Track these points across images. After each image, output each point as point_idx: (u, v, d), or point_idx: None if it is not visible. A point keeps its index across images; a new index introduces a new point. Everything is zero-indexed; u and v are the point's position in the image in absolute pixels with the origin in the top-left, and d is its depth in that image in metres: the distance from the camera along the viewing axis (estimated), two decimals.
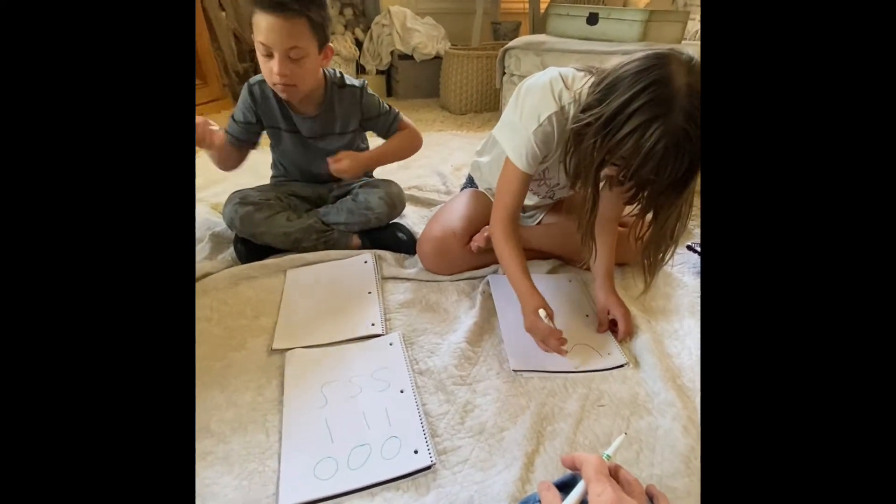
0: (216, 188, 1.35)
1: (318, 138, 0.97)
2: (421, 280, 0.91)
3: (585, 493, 0.35)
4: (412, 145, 1.03)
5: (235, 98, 2.28)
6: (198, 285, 0.89)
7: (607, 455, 0.38)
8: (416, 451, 0.57)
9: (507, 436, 0.60)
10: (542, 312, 0.70)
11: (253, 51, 2.35)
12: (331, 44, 0.88)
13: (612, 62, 0.62)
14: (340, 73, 0.97)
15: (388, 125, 1.00)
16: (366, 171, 1.02)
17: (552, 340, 0.69)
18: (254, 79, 0.94)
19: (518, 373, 0.70)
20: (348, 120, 0.97)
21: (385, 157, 1.01)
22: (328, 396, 0.65)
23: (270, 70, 0.83)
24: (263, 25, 0.78)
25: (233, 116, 0.96)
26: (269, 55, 0.81)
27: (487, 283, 0.88)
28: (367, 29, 2.42)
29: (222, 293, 0.87)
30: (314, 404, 0.64)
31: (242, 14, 2.25)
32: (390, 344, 0.75)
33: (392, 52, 2.38)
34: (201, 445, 0.58)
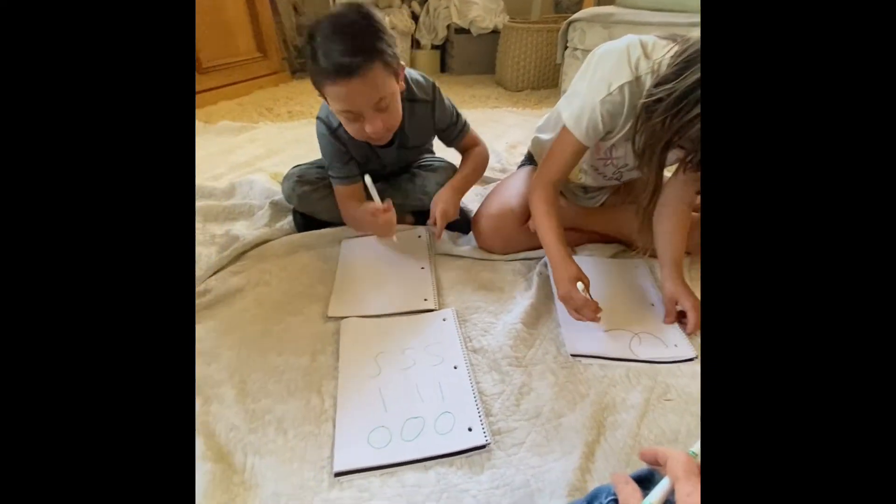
0: (275, 158, 1.38)
1: (397, 164, 0.95)
2: (474, 258, 0.89)
3: (670, 492, 0.32)
4: (485, 162, 0.97)
5: (293, 71, 2.32)
6: (257, 251, 0.91)
7: (693, 452, 0.35)
8: (469, 429, 0.56)
9: (564, 422, 0.57)
10: (579, 285, 0.67)
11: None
12: (392, 28, 0.81)
13: (696, 34, 0.55)
14: (408, 81, 0.82)
15: (456, 135, 0.93)
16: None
17: (587, 311, 0.66)
18: (332, 121, 0.84)
19: (576, 358, 0.66)
20: (423, 134, 0.91)
21: (468, 184, 0.94)
22: (382, 366, 0.65)
23: (361, 129, 0.74)
24: (342, 94, 0.68)
25: (330, 164, 0.87)
26: (356, 118, 0.72)
27: (545, 264, 0.84)
28: (423, 2, 2.37)
29: (281, 259, 0.88)
30: (368, 373, 0.64)
31: None
32: (444, 319, 0.73)
33: (448, 26, 2.32)
34: (259, 405, 0.60)
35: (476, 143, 0.97)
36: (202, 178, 1.24)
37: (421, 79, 0.85)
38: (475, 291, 0.80)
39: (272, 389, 0.62)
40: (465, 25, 2.28)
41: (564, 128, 0.71)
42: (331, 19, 0.67)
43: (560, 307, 0.74)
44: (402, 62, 0.75)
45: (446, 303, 0.78)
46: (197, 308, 0.76)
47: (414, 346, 0.68)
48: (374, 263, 0.87)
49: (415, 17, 2.37)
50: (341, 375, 0.63)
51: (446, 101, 0.88)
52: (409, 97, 0.82)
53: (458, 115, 0.93)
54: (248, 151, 1.43)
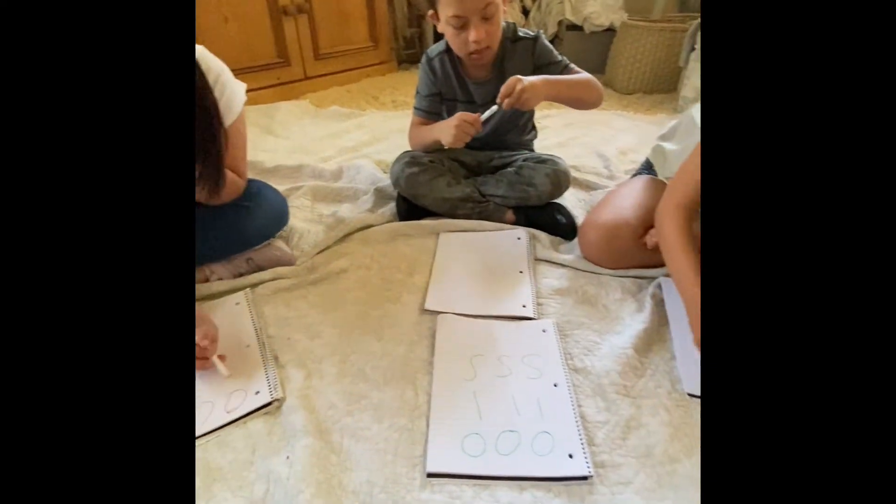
0: (379, 145, 1.42)
1: (488, 104, 0.93)
2: (578, 269, 0.83)
3: None
4: (596, 92, 0.88)
5: (400, 62, 2.39)
6: (360, 235, 0.94)
7: None
8: (570, 456, 0.52)
9: (680, 469, 0.51)
10: None
11: (421, 16, 2.40)
12: None
13: None
14: (513, 24, 0.91)
15: (560, 72, 0.90)
16: (545, 99, 0.82)
17: None
18: (432, 52, 0.94)
19: (695, 398, 0.59)
20: (522, 73, 0.89)
21: (568, 89, 0.84)
22: (477, 370, 0.63)
23: (465, 41, 0.81)
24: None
25: (418, 92, 0.97)
26: (463, 26, 0.80)
27: (659, 286, 0.77)
28: None
29: (382, 246, 0.90)
30: (463, 375, 0.62)
31: None
32: (543, 331, 0.69)
33: (560, 22, 2.23)
34: (356, 388, 0.61)
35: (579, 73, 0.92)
36: (313, 159, 1.31)
37: (526, 29, 0.92)
38: (578, 305, 0.75)
39: (370, 374, 0.63)
40: (578, 22, 2.17)
41: None
42: None
43: (677, 338, 0.67)
44: None
45: (545, 312, 0.74)
46: (303, 283, 0.80)
47: (511, 355, 0.65)
48: (470, 260, 0.86)
49: (525, 12, 2.31)
50: (436, 372, 0.62)
51: (546, 41, 0.91)
52: (512, 37, 0.89)
53: (563, 57, 0.92)
54: (354, 137, 1.49)
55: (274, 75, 1.81)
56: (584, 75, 0.89)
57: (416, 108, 0.99)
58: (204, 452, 0.53)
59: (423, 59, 0.94)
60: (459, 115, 0.82)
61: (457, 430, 0.55)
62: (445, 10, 0.80)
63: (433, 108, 0.97)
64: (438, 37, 2.43)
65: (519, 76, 0.78)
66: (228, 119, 0.70)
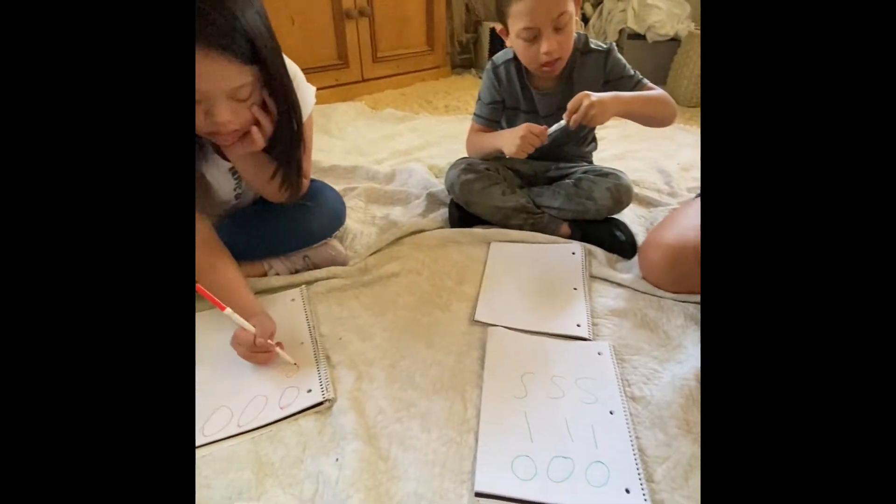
0: (431, 150, 1.43)
1: (552, 115, 0.92)
2: (637, 290, 0.79)
3: None
4: (670, 110, 0.84)
5: (454, 66, 2.40)
6: (411, 239, 0.94)
7: None
8: (627, 490, 0.49)
9: None
10: None
11: (478, 22, 2.40)
12: None
13: None
14: (584, 35, 0.88)
15: (633, 87, 0.87)
16: (614, 116, 0.79)
17: None
18: (498, 59, 0.93)
19: None
20: (590, 86, 0.85)
21: (640, 107, 0.81)
22: (528, 388, 0.61)
23: (536, 53, 0.80)
24: (526, 8, 0.76)
25: (480, 98, 0.97)
26: (534, 38, 0.79)
27: None
28: (598, 4, 2.24)
29: (433, 251, 0.90)
30: (513, 392, 0.60)
31: None
32: (598, 353, 0.66)
33: (621, 31, 2.16)
34: (406, 395, 0.61)
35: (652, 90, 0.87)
36: (367, 160, 1.34)
37: (599, 41, 0.89)
38: (636, 329, 0.72)
39: (419, 382, 0.62)
40: (640, 31, 2.10)
41: None
42: None
43: None
44: None
45: (601, 333, 0.71)
46: (356, 284, 0.81)
47: (564, 375, 0.63)
48: (522, 272, 0.84)
49: (585, 20, 2.26)
50: (486, 387, 0.61)
51: (619, 55, 0.88)
52: (583, 49, 0.87)
53: (635, 72, 0.88)
54: (407, 140, 1.50)
55: (333, 76, 1.86)
56: (658, 91, 0.85)
57: (476, 114, 0.99)
58: (256, 446, 0.54)
59: (489, 65, 0.93)
60: (526, 127, 0.81)
61: (506, 450, 0.53)
62: (516, 24, 0.79)
63: (494, 116, 0.96)
64: (494, 42, 2.42)
65: (587, 92, 0.76)
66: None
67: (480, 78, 2.30)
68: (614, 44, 0.89)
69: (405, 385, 0.62)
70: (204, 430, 0.55)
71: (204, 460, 0.52)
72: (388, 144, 1.47)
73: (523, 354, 0.66)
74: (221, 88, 0.55)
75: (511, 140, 0.82)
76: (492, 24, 2.26)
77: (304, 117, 0.72)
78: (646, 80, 0.88)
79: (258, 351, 0.61)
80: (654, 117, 0.84)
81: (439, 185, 1.12)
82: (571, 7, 0.79)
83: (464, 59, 2.44)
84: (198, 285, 0.58)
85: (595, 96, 0.76)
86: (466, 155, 1.01)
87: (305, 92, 0.73)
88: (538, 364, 0.65)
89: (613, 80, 0.87)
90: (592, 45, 0.87)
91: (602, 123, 0.79)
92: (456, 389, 0.61)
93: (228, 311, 0.58)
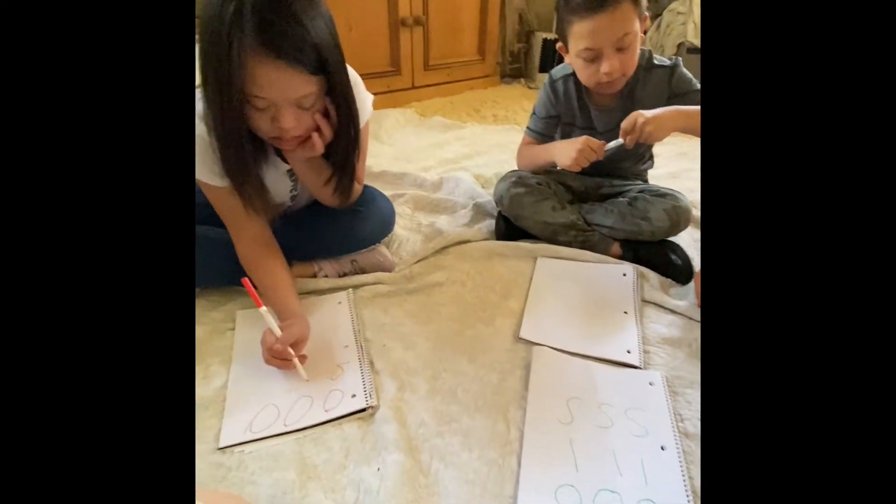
0: (478, 159, 1.42)
1: (610, 132, 0.89)
2: (692, 319, 0.75)
3: None
4: None
5: (503, 76, 2.39)
6: (456, 249, 0.93)
7: None
8: None
9: None
10: None
11: (531, 32, 2.38)
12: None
13: None
14: (648, 51, 0.85)
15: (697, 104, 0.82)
16: (674, 131, 0.76)
17: None
18: (556, 73, 0.92)
19: None
20: (653, 102, 0.83)
21: (689, 118, 0.76)
22: (574, 414, 0.59)
23: (595, 72, 0.78)
24: (587, 29, 0.74)
25: (535, 112, 0.96)
26: (594, 58, 0.77)
27: None
28: (655, 16, 2.18)
29: (478, 263, 0.89)
30: (558, 417, 0.59)
31: None
32: (650, 383, 0.63)
33: (680, 45, 2.09)
34: (447, 409, 0.60)
35: None
36: (414, 167, 1.35)
37: (663, 58, 0.86)
38: (690, 360, 0.68)
39: (461, 397, 0.62)
40: (700, 44, 2.02)
41: None
42: None
43: None
44: (647, 13, 0.78)
45: (653, 362, 0.68)
46: (401, 291, 0.81)
47: (613, 404, 0.60)
48: (570, 291, 0.81)
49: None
50: (530, 409, 0.59)
51: (685, 70, 0.85)
52: (646, 65, 0.84)
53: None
54: (455, 149, 1.51)
55: (385, 83, 1.90)
56: None
57: (529, 128, 0.97)
58: (301, 447, 0.55)
59: (547, 79, 0.92)
60: (585, 139, 0.79)
61: (550, 478, 0.51)
62: (577, 43, 0.77)
63: (548, 130, 0.95)
64: (545, 52, 2.39)
65: (640, 111, 0.75)
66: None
67: (530, 88, 2.30)
68: (680, 59, 0.85)
69: (447, 399, 0.61)
70: (252, 426, 0.57)
71: (251, 456, 0.54)
72: (435, 152, 1.48)
73: (570, 378, 0.64)
74: (288, 97, 0.57)
75: (567, 152, 0.80)
76: (544, 35, 2.25)
77: (361, 124, 0.73)
78: None
79: (276, 356, 0.60)
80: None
81: (486, 196, 1.12)
82: (636, 26, 0.76)
83: (513, 69, 2.43)
84: (244, 279, 0.60)
85: (650, 113, 0.74)
86: (515, 166, 1.00)
87: (364, 99, 0.75)
88: (585, 390, 0.62)
89: (680, 94, 0.84)
90: (656, 62, 0.85)
91: (660, 140, 0.76)
92: (498, 408, 0.60)
93: (263, 309, 0.60)
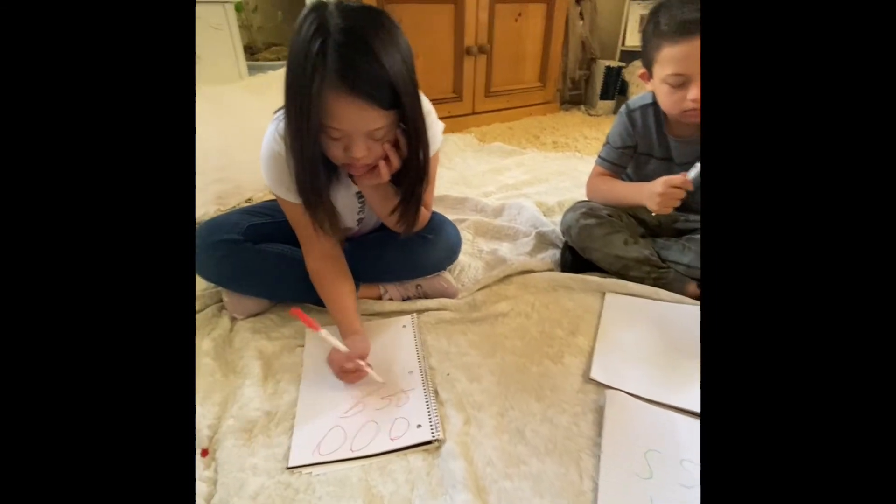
0: (539, 186, 1.41)
1: (688, 163, 0.85)
2: None
3: None
4: None
5: (563, 102, 2.38)
6: (520, 279, 0.92)
7: None
8: None
9: None
10: None
11: (592, 59, 2.36)
12: None
13: None
14: None
15: None
16: None
17: None
18: (633, 104, 0.89)
19: None
20: None
21: None
22: (654, 469, 0.54)
23: (682, 99, 0.75)
24: (680, 53, 0.72)
25: (608, 142, 0.93)
26: (682, 84, 0.75)
27: None
28: None
29: (543, 295, 0.87)
30: (636, 471, 0.54)
31: (597, 25, 2.29)
32: None
33: None
34: (515, 449, 0.57)
35: None
36: (475, 192, 1.36)
37: None
38: None
39: (529, 438, 0.59)
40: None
41: None
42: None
43: None
44: None
45: None
46: (465, 320, 0.80)
47: (695, 461, 0.55)
48: (643, 332, 0.77)
49: None
50: (604, 458, 0.56)
51: None
52: None
53: None
54: (515, 175, 1.50)
55: (446, 109, 1.95)
56: None
57: (601, 157, 0.94)
58: (367, 475, 0.54)
59: (623, 109, 0.90)
60: (664, 182, 0.76)
61: None
62: (664, 68, 0.75)
63: (622, 161, 0.92)
64: (608, 80, 2.35)
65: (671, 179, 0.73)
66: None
67: (590, 114, 2.27)
68: None
69: (514, 438, 0.59)
70: (320, 447, 0.57)
71: (318, 479, 0.54)
72: (495, 178, 1.49)
73: (647, 428, 0.60)
74: (360, 130, 0.59)
75: (652, 197, 0.78)
76: (606, 62, 2.22)
77: (431, 153, 0.74)
78: None
79: (348, 371, 0.64)
80: None
81: (549, 224, 1.10)
82: None
83: (574, 96, 2.42)
84: (295, 310, 0.63)
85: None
86: (577, 195, 0.97)
87: (435, 129, 0.75)
88: (665, 442, 0.58)
89: None
90: None
91: None
92: (570, 455, 0.57)
93: (323, 332, 0.62)
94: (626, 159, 0.92)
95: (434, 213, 0.85)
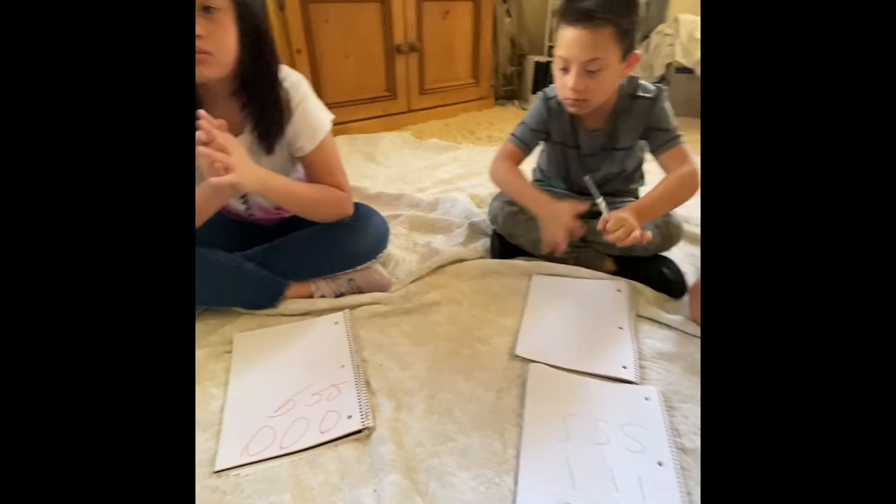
0: (474, 179, 1.45)
1: (595, 155, 0.91)
2: (688, 333, 0.76)
3: None
4: (690, 192, 0.81)
5: (497, 98, 2.45)
6: (452, 268, 0.94)
7: None
8: None
9: None
10: None
11: (522, 55, 2.45)
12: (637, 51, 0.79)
13: None
14: (636, 79, 0.87)
15: (665, 142, 0.84)
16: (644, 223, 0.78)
17: None
18: (550, 91, 0.92)
19: None
20: (633, 133, 0.87)
21: (663, 204, 0.82)
22: (570, 431, 0.59)
23: (564, 84, 0.79)
24: (567, 38, 0.75)
25: (525, 122, 0.95)
26: (565, 69, 0.78)
27: None
28: (644, 38, 2.25)
29: (474, 282, 0.90)
30: (555, 434, 0.58)
31: (524, 22, 2.38)
32: (646, 399, 0.63)
33: (668, 65, 2.15)
34: (444, 428, 0.60)
35: (684, 160, 0.82)
36: (411, 188, 1.37)
37: (650, 85, 0.86)
38: (686, 374, 0.68)
39: (458, 416, 0.62)
40: (688, 64, 2.07)
41: None
42: None
43: None
44: (637, 51, 0.78)
45: (649, 377, 0.68)
46: (398, 311, 0.82)
47: (609, 420, 0.60)
48: (565, 307, 0.82)
49: None
50: (526, 427, 0.59)
51: (668, 107, 0.85)
52: (632, 93, 0.85)
53: (676, 127, 0.84)
54: (450, 170, 1.54)
55: (381, 107, 1.95)
56: (686, 170, 0.81)
57: (514, 135, 0.94)
58: (296, 469, 0.55)
59: (541, 95, 0.92)
60: (571, 212, 0.80)
61: (548, 496, 0.51)
62: (557, 49, 0.78)
63: (532, 142, 0.94)
64: (538, 75, 2.45)
65: (626, 217, 0.74)
66: (312, 143, 0.74)
67: (523, 109, 2.35)
68: (664, 91, 0.86)
69: (443, 418, 0.61)
70: (249, 448, 0.57)
71: (247, 479, 0.54)
72: (431, 174, 1.51)
73: (566, 394, 0.64)
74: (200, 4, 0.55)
75: (552, 222, 0.81)
76: (536, 58, 2.31)
77: (316, 140, 0.75)
78: (681, 140, 0.84)
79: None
80: (679, 202, 0.82)
81: (481, 215, 1.13)
82: (612, 57, 0.74)
83: (507, 91, 2.50)
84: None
85: (613, 221, 0.74)
86: (494, 218, 0.98)
87: (316, 116, 0.75)
88: (581, 406, 0.62)
89: (652, 129, 0.85)
90: (641, 92, 0.84)
91: (636, 239, 0.73)
92: (495, 427, 0.60)
93: None
94: (536, 142, 0.95)
95: (360, 205, 0.86)
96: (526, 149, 0.95)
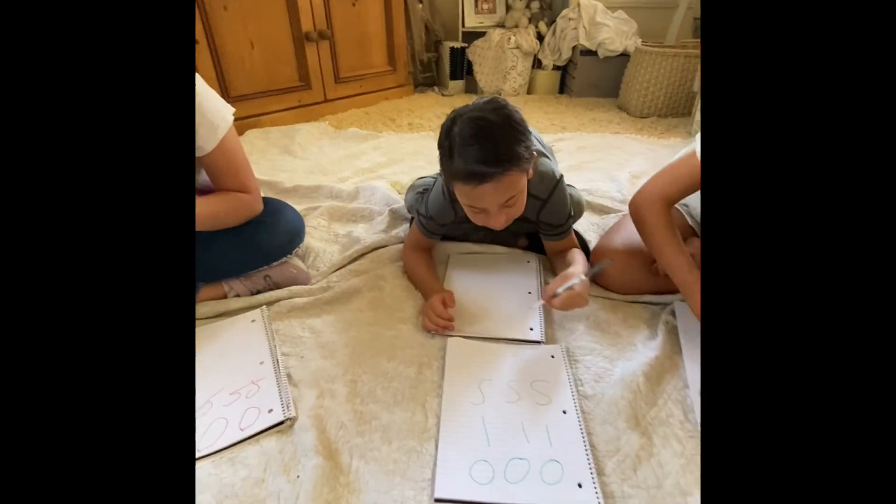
0: (395, 167, 1.45)
1: (506, 229, 0.81)
2: (591, 294, 0.83)
3: None
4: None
5: (416, 85, 2.45)
6: (375, 254, 0.95)
7: None
8: (579, 485, 0.51)
9: (692, 503, 0.50)
10: None
11: (438, 41, 2.46)
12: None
13: None
14: (530, 179, 0.73)
15: (554, 235, 0.84)
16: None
17: None
18: (454, 195, 0.77)
19: None
20: (525, 217, 0.80)
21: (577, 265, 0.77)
22: (486, 395, 0.63)
23: (485, 221, 0.72)
24: (471, 194, 0.67)
25: (432, 216, 0.84)
26: (482, 212, 0.71)
27: (673, 313, 0.76)
28: (551, 23, 2.35)
29: (394, 266, 0.92)
30: (472, 399, 0.62)
31: (437, 7, 2.39)
32: (552, 356, 0.69)
33: (574, 48, 2.27)
34: (367, 408, 0.62)
35: (572, 245, 0.85)
36: (330, 179, 1.35)
37: (549, 172, 0.78)
38: (588, 330, 0.75)
39: (380, 395, 0.64)
40: (592, 47, 2.21)
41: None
42: (471, 122, 0.63)
43: (690, 366, 0.66)
44: (535, 151, 0.70)
45: (555, 336, 0.74)
46: (318, 303, 0.81)
47: (519, 380, 0.65)
48: (479, 282, 0.87)
49: (540, 38, 2.36)
50: (445, 396, 0.63)
51: (560, 203, 0.80)
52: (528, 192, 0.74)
53: (569, 216, 0.83)
54: (371, 158, 1.53)
55: (295, 98, 1.88)
56: (573, 256, 0.81)
57: (422, 224, 0.86)
58: (217, 469, 0.54)
59: (446, 193, 0.81)
60: (442, 316, 0.74)
61: (465, 456, 0.55)
62: (462, 199, 0.71)
63: (438, 233, 0.88)
64: (455, 60, 2.47)
65: (572, 296, 0.68)
66: (212, 142, 0.70)
67: (443, 95, 2.37)
68: (558, 185, 0.78)
69: (367, 399, 0.63)
70: None
71: None
72: (351, 163, 1.49)
73: (481, 362, 0.69)
74: None
75: (427, 312, 0.76)
76: (451, 44, 2.34)
77: (220, 133, 0.70)
78: (570, 229, 0.84)
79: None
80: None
81: (401, 201, 1.15)
82: (522, 182, 0.68)
83: (426, 78, 2.50)
84: None
85: (581, 296, 0.69)
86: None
87: (214, 114, 0.70)
88: (495, 370, 0.67)
89: (544, 222, 0.82)
90: (532, 191, 0.76)
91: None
92: (417, 400, 0.63)
93: None
94: (441, 231, 0.88)
95: (270, 199, 0.84)
96: (432, 237, 0.89)
